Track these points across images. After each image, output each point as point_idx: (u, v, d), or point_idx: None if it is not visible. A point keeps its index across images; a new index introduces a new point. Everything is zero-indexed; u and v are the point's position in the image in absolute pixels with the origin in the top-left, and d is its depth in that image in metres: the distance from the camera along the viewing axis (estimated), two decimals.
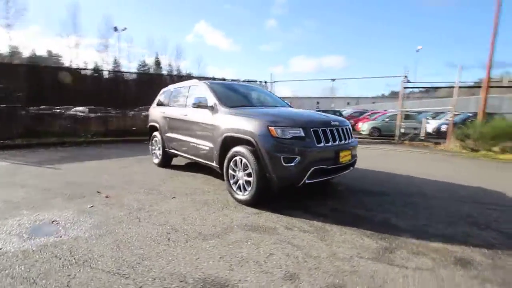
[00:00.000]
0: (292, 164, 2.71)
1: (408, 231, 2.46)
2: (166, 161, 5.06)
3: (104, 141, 9.24)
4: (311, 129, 2.84)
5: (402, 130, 11.46)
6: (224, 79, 12.78)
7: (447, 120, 15.49)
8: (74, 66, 27.98)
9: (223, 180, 4.11)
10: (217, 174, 4.47)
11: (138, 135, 10.46)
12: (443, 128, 13.77)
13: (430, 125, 14.47)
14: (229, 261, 1.94)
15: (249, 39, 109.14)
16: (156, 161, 5.16)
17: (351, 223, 2.62)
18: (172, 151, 4.68)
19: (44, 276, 1.76)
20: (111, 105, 10.24)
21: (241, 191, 3.12)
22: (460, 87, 9.72)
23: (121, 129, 10.46)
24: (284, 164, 2.71)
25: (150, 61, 46.50)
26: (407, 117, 12.73)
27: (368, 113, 18.79)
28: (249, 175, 2.99)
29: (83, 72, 9.77)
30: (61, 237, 2.33)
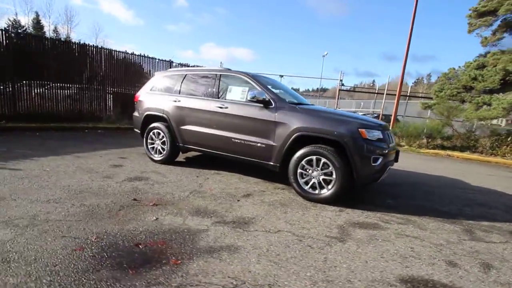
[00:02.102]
0: (377, 163, 2.98)
1: (456, 214, 3.16)
2: (173, 157, 4.40)
3: (20, 128, 6.94)
4: (385, 131, 3.17)
5: None
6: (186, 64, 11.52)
7: None
8: None
9: (256, 177, 4.05)
10: (246, 171, 4.28)
11: (62, 120, 8.31)
12: None
13: None
14: (394, 259, 2.07)
15: (155, 15, 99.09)
16: (158, 157, 4.39)
17: (416, 212, 3.12)
18: (190, 146, 4.11)
19: None
20: None
21: (314, 190, 3.16)
22: (382, 93, 12.14)
23: (38, 112, 8.03)
24: (372, 164, 2.95)
25: (26, 21, 35.97)
26: None
27: None
28: (326, 174, 3.08)
29: None
30: (179, 261, 1.86)
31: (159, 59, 10.90)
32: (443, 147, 8.73)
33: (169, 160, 4.36)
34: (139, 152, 5.25)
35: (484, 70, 9.42)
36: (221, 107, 3.73)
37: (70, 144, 5.50)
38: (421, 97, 12.61)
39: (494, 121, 10.44)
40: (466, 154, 8.02)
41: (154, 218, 2.50)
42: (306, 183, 3.21)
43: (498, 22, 10.47)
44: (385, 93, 11.04)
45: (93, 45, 9.33)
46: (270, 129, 3.36)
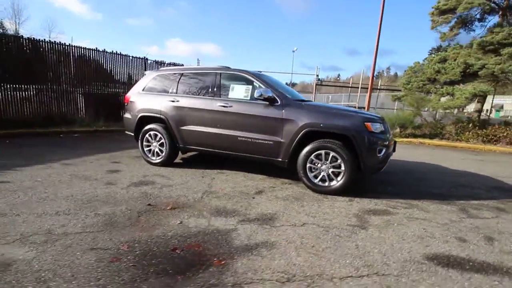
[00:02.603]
0: (381, 154, 3.20)
1: (448, 196, 3.50)
2: (172, 159, 4.29)
3: None
4: (384, 124, 3.39)
5: None
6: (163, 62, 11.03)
7: None
8: None
9: (261, 174, 4.12)
10: (249, 168, 4.32)
11: (30, 126, 7.60)
12: None
13: None
14: (414, 240, 2.27)
15: (114, 9, 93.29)
16: (157, 159, 4.25)
17: (416, 196, 3.40)
18: (192, 146, 4.04)
19: None
20: None
21: (324, 182, 3.31)
22: (353, 87, 12.74)
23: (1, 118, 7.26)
24: (377, 155, 3.15)
25: None
26: None
27: None
28: (335, 167, 3.23)
29: None
30: (223, 261, 1.88)
31: (133, 57, 10.38)
32: (414, 136, 9.48)
33: (168, 162, 4.24)
34: (130, 155, 5.02)
35: (446, 63, 10.33)
36: (225, 106, 3.71)
37: (50, 151, 5.09)
38: (388, 89, 13.56)
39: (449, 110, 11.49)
40: (436, 141, 8.81)
41: (178, 221, 2.46)
42: (315, 176, 3.34)
43: (455, 19, 11.53)
44: (359, 87, 11.65)
45: (60, 42, 8.57)
46: (278, 126, 3.43)
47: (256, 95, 3.43)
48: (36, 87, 8.21)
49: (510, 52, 8.17)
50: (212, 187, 3.45)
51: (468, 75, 9.45)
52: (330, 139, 3.24)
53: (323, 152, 3.24)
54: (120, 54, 9.98)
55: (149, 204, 2.81)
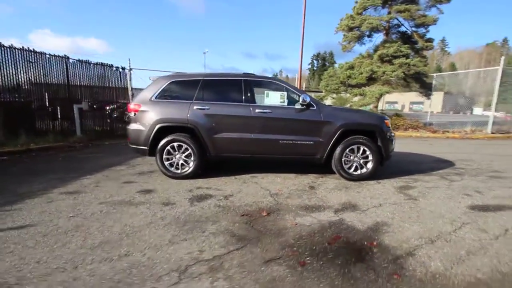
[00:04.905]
0: (394, 143, 4.17)
1: (423, 170, 4.81)
2: (199, 170, 4.06)
3: None
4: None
5: None
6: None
7: None
8: None
9: (289, 173, 4.48)
10: (275, 169, 4.61)
11: None
12: None
13: None
14: (449, 200, 3.24)
15: None
16: (184, 172, 3.93)
17: (407, 173, 4.55)
18: (227, 154, 3.98)
19: None
20: None
21: (355, 171, 4.01)
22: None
23: None
24: (392, 145, 4.09)
25: None
26: None
27: None
28: (364, 157, 3.99)
29: None
30: (375, 242, 2.29)
31: (50, 55, 8.37)
32: None
33: (196, 173, 4.01)
34: (130, 172, 4.37)
35: (354, 70, 13.05)
36: (264, 112, 3.88)
37: (11, 181, 3.81)
38: (311, 90, 15.95)
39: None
40: None
41: (294, 223, 2.63)
42: (349, 168, 4.01)
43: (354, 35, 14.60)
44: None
45: None
46: (318, 128, 3.90)
47: (300, 101, 3.80)
48: None
49: (400, 62, 11.28)
50: (269, 190, 3.60)
51: (371, 79, 12.32)
52: (360, 135, 3.97)
53: (355, 147, 3.94)
54: (34, 51, 7.88)
55: (243, 215, 2.80)
